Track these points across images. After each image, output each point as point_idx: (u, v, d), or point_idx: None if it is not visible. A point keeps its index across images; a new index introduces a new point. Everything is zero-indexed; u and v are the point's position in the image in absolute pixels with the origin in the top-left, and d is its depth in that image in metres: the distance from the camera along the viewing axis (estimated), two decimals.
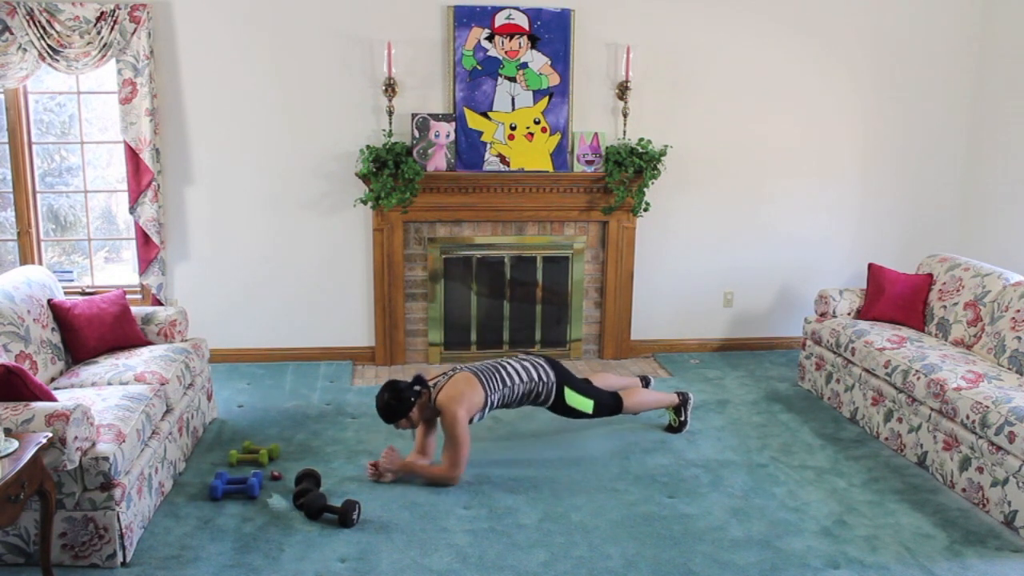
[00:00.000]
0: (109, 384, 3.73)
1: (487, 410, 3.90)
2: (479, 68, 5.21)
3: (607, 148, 5.35)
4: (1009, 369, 4.12)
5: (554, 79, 5.28)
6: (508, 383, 3.95)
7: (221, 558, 3.20)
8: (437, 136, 5.21)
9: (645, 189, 5.36)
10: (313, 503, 3.49)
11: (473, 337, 5.62)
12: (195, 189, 5.26)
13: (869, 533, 3.46)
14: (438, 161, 5.23)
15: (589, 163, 5.36)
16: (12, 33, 4.74)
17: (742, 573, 3.16)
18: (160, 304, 5.20)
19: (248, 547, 3.28)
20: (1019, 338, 4.13)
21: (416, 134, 5.20)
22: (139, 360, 3.96)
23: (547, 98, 5.29)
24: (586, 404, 4.12)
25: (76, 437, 2.96)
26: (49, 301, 4.01)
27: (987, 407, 3.64)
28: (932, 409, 3.99)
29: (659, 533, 3.43)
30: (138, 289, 5.28)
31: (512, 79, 5.24)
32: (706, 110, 5.54)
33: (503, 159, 5.30)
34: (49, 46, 4.77)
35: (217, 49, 5.09)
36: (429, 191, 5.25)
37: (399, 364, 5.53)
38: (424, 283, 5.48)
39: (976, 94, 5.78)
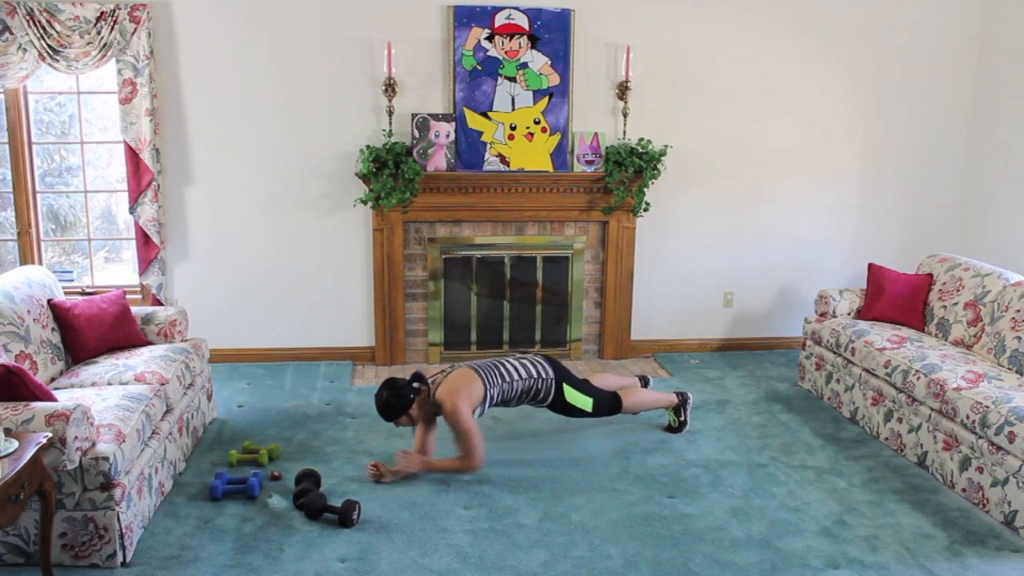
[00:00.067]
0: (109, 384, 3.73)
1: (487, 405, 3.90)
2: (479, 68, 5.21)
3: (607, 148, 5.35)
4: (1009, 369, 4.12)
5: (554, 79, 5.28)
6: (507, 379, 3.95)
7: (221, 558, 3.21)
8: (437, 136, 5.21)
9: (645, 189, 5.36)
10: (313, 503, 3.49)
11: (473, 337, 5.62)
12: (195, 189, 5.26)
13: (869, 533, 3.46)
14: (438, 161, 5.23)
15: (589, 163, 5.36)
16: (12, 33, 4.74)
17: (742, 573, 3.16)
18: (160, 304, 5.20)
19: (248, 547, 3.28)
20: (1019, 338, 4.13)
21: (416, 134, 5.20)
22: (139, 360, 3.96)
23: (547, 98, 5.29)
24: (585, 402, 4.12)
25: (76, 437, 2.96)
26: (49, 301, 4.01)
27: (987, 407, 3.64)
28: (932, 409, 3.99)
29: (659, 533, 3.43)
30: (138, 289, 5.28)
31: (512, 79, 5.24)
32: (706, 110, 5.54)
33: (503, 159, 5.29)
34: (49, 46, 4.77)
35: (217, 49, 5.09)
36: (429, 191, 5.25)
37: (399, 364, 5.53)
38: (424, 283, 5.48)
39: (976, 94, 5.78)
